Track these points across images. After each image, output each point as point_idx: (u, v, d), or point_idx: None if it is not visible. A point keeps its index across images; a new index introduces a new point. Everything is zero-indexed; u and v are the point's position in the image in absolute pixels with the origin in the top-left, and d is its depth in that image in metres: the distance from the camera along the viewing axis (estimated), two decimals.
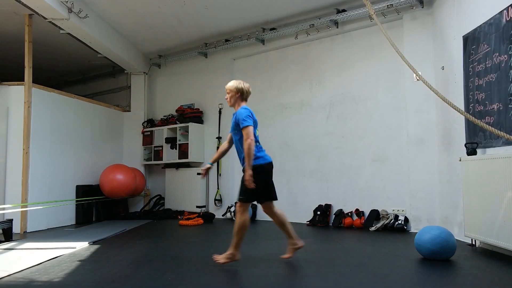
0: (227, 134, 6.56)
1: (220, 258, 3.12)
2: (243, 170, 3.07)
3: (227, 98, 3.23)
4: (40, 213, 5.41)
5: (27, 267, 3.13)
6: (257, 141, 3.09)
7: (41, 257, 3.51)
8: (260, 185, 3.01)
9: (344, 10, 5.42)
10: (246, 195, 3.04)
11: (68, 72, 8.47)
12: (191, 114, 6.92)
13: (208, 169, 3.38)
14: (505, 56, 3.31)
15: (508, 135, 2.94)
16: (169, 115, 7.34)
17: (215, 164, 6.66)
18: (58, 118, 5.93)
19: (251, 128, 2.98)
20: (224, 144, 3.41)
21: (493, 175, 3.25)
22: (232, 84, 3.20)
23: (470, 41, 3.90)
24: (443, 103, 3.71)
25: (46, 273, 2.95)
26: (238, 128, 3.07)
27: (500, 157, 3.18)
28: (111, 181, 6.25)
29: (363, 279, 2.70)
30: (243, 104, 3.17)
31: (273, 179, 3.24)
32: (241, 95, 3.18)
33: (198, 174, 6.71)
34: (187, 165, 6.98)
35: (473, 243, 3.77)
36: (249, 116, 3.04)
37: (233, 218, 6.16)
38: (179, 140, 6.94)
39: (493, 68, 3.49)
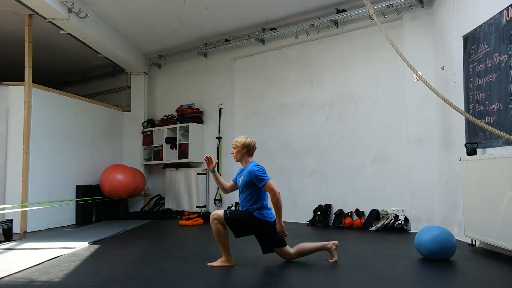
0: (227, 134, 6.67)
1: (214, 263, 3.14)
2: (261, 225, 3.08)
3: (233, 153, 3.22)
4: (40, 213, 5.41)
5: (27, 267, 3.13)
6: (266, 198, 3.10)
7: (41, 257, 3.51)
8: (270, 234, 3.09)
9: (344, 10, 5.42)
10: (282, 239, 3.12)
11: (68, 72, 8.47)
12: (191, 114, 6.92)
13: (211, 163, 3.33)
14: (505, 56, 3.31)
15: (508, 135, 2.94)
16: (169, 115, 7.34)
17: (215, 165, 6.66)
18: (58, 118, 5.94)
19: (272, 182, 3.00)
20: (226, 184, 3.41)
21: (493, 175, 3.25)
22: (238, 139, 3.19)
23: (470, 41, 3.90)
24: (443, 103, 3.72)
25: (46, 273, 2.95)
26: (249, 186, 3.05)
27: (500, 157, 3.18)
28: (111, 181, 6.25)
29: (363, 279, 2.70)
30: (251, 160, 3.17)
31: (274, 179, 3.29)
32: (248, 150, 3.17)
33: (198, 174, 6.71)
34: (187, 165, 6.98)
35: (473, 243, 3.77)
36: (264, 171, 3.03)
37: None
38: (179, 140, 6.94)
39: (493, 68, 3.49)
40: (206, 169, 6.80)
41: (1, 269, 3.03)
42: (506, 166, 3.08)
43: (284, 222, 3.15)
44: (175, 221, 6.12)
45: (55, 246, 4.06)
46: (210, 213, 6.26)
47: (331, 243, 3.16)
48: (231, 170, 6.54)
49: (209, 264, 3.15)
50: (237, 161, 3.23)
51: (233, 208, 6.26)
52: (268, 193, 3.09)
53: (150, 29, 6.46)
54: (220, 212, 3.07)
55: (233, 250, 3.29)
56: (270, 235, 3.08)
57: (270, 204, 3.12)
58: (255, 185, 3.03)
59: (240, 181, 3.18)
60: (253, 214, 3.06)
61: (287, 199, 5.87)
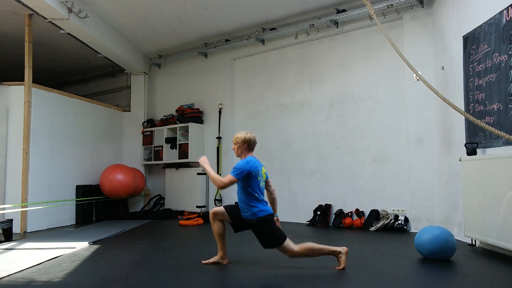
0: (227, 134, 6.66)
1: (208, 260, 3.17)
2: (249, 223, 3.04)
3: (233, 149, 3.22)
4: (40, 213, 5.41)
5: (27, 267, 3.13)
6: (258, 194, 3.03)
7: (41, 257, 3.51)
8: (273, 231, 3.00)
9: (344, 10, 5.42)
10: (278, 238, 2.98)
11: (68, 72, 8.47)
12: (191, 114, 6.92)
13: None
14: (505, 56, 3.31)
15: (508, 135, 2.94)
16: (169, 115, 7.34)
17: (216, 164, 6.67)
18: (58, 118, 5.93)
19: (232, 181, 2.98)
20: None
21: (493, 175, 3.25)
22: (239, 136, 3.18)
23: (470, 41, 3.90)
24: (443, 103, 3.72)
25: (46, 273, 2.95)
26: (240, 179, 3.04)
27: (500, 157, 3.18)
28: (111, 181, 6.25)
29: (363, 279, 2.70)
30: (249, 155, 3.16)
31: (274, 179, 3.31)
32: (248, 146, 3.17)
33: (198, 174, 6.71)
34: (187, 165, 6.98)
35: (473, 243, 3.77)
36: (243, 169, 2.99)
37: None
38: (179, 140, 6.94)
39: (493, 68, 3.49)
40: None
41: (1, 269, 3.03)
42: (506, 166, 3.08)
43: (284, 222, 3.17)
44: (175, 221, 6.12)
45: (55, 246, 4.06)
46: None
47: (341, 249, 2.99)
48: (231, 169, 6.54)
49: (203, 262, 3.17)
50: (237, 156, 3.23)
51: None
52: (261, 188, 3.08)
53: (150, 29, 6.46)
54: (219, 207, 3.14)
55: (234, 250, 3.30)
56: (261, 234, 3.01)
57: (266, 199, 3.13)
58: (242, 180, 3.02)
59: None
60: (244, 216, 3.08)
61: (287, 199, 5.87)
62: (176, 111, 7.18)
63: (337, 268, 2.93)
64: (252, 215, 3.00)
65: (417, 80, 4.71)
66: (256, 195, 3.03)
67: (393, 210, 5.05)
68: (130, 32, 6.62)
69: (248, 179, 3.01)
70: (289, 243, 2.96)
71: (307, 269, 2.98)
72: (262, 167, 3.18)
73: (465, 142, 3.90)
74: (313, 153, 5.83)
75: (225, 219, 3.17)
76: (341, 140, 5.57)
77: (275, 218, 3.17)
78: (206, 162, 3.15)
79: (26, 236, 4.96)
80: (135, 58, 7.26)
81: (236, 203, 3.21)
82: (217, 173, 6.67)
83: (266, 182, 3.22)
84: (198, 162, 3.30)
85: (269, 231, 3.00)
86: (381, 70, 5.31)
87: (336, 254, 2.97)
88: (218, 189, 6.65)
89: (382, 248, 3.82)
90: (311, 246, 2.98)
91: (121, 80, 8.06)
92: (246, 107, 6.64)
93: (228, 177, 3.00)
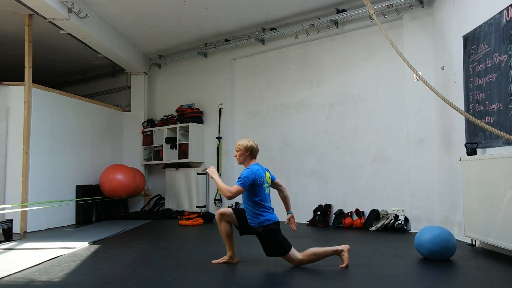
0: (227, 134, 6.66)
1: (218, 260, 3.17)
2: (256, 231, 3.06)
3: (236, 156, 3.22)
4: (40, 213, 5.41)
5: (27, 267, 3.14)
6: (263, 202, 3.05)
7: (41, 257, 3.51)
8: (279, 240, 3.00)
9: (344, 10, 5.42)
10: (284, 247, 2.99)
11: (68, 72, 8.47)
12: (191, 114, 6.92)
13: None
14: (505, 56, 3.31)
15: (508, 135, 2.93)
16: (169, 115, 7.34)
17: (216, 164, 6.67)
18: (58, 118, 5.93)
19: (239, 190, 2.96)
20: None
21: (493, 175, 3.25)
22: (241, 143, 3.19)
23: (470, 41, 3.90)
24: (443, 103, 3.72)
25: (46, 273, 2.95)
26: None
27: (500, 157, 3.18)
28: (111, 181, 6.25)
29: (363, 279, 2.70)
30: (252, 162, 3.17)
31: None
32: (250, 153, 3.17)
33: (198, 174, 6.71)
34: (187, 165, 6.98)
35: (473, 243, 3.77)
36: (248, 178, 2.99)
37: None
38: (179, 140, 6.94)
39: (493, 68, 3.49)
40: (206, 169, 6.80)
41: (1, 269, 3.03)
42: (506, 166, 3.08)
43: (284, 222, 3.18)
44: (175, 221, 6.12)
45: (55, 246, 4.06)
46: (210, 213, 6.32)
47: (343, 247, 3.02)
48: (231, 170, 6.55)
49: (213, 261, 3.16)
50: (239, 163, 3.24)
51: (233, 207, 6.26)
52: (267, 195, 3.10)
53: (150, 29, 6.46)
54: (227, 208, 3.14)
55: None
56: (266, 243, 3.02)
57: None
58: (248, 188, 3.02)
59: None
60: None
61: None
62: (176, 111, 7.18)
63: (341, 266, 2.95)
64: (258, 224, 3.01)
65: (417, 80, 4.71)
66: (262, 203, 3.04)
67: (393, 210, 5.05)
68: (130, 32, 6.62)
69: (253, 188, 3.01)
70: (293, 252, 2.99)
71: (307, 268, 2.98)
72: (267, 172, 3.18)
73: (465, 142, 3.90)
74: (313, 153, 5.83)
75: (232, 221, 3.16)
76: (341, 140, 5.57)
77: (289, 215, 3.27)
78: (214, 173, 3.14)
79: (26, 236, 4.95)
80: (135, 58, 7.26)
81: (235, 203, 3.23)
82: (218, 173, 6.66)
83: (275, 183, 3.26)
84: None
85: (275, 241, 3.00)
86: (381, 70, 5.31)
87: (339, 253, 3.00)
88: (217, 190, 6.66)
89: (382, 248, 3.82)
90: (315, 251, 3.01)
91: (121, 80, 8.06)
92: (246, 107, 6.64)
93: (235, 187, 2.98)
